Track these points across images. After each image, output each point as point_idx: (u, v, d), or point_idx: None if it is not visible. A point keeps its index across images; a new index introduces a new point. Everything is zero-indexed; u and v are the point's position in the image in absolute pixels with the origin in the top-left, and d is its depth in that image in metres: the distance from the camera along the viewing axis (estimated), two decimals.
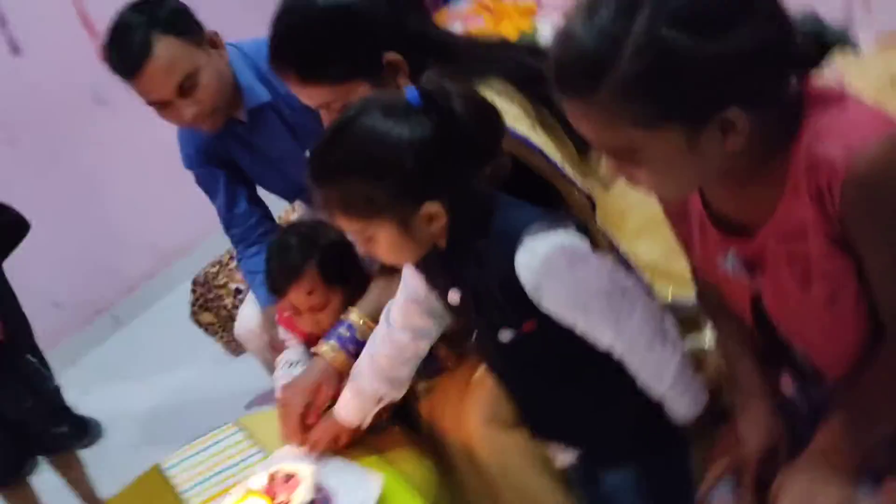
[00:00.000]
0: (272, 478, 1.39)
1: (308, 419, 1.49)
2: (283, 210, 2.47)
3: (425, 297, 1.34)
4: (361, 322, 1.52)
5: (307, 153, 1.70)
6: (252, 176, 2.03)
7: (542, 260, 1.13)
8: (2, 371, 2.08)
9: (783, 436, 1.11)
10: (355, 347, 1.49)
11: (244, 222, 2.02)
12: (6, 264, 2.19)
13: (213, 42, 1.80)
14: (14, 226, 2.17)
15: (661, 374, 1.21)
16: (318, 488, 1.36)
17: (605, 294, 1.16)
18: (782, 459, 1.08)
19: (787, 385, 1.19)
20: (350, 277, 1.61)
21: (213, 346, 2.71)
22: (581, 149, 1.40)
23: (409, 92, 1.14)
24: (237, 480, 1.50)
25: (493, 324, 1.23)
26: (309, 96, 1.42)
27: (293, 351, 1.68)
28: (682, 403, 1.23)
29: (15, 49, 3.32)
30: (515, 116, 1.34)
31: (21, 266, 2.25)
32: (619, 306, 1.17)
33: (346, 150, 1.15)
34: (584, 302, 1.16)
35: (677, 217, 1.15)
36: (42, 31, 3.33)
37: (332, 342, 1.52)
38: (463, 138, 1.13)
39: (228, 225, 2.05)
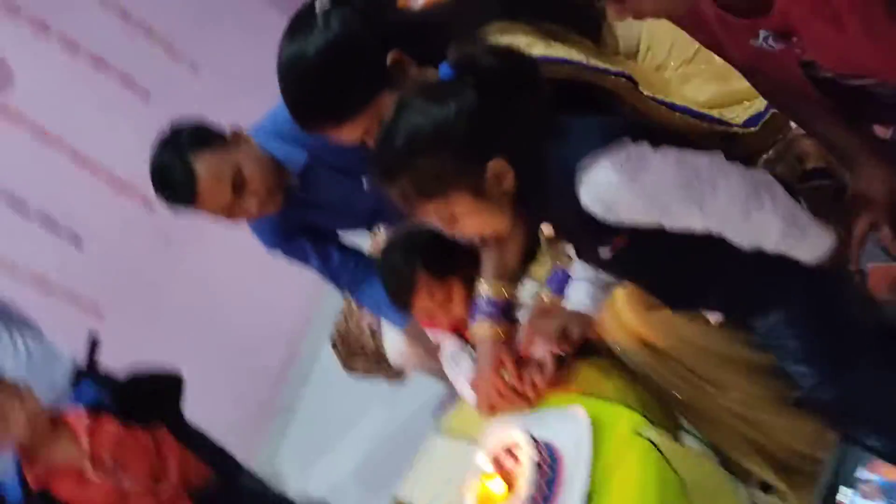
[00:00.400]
0: (493, 456, 1.48)
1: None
2: (368, 243, 2.59)
3: None
4: (493, 288, 1.58)
5: (364, 180, 1.82)
6: (329, 227, 2.12)
7: (604, 188, 1.16)
8: None
9: None
10: (501, 311, 1.55)
11: (346, 269, 2.11)
12: None
13: (238, 137, 1.91)
14: (174, 385, 2.34)
15: (766, 237, 1.20)
16: (538, 444, 1.44)
17: (679, 187, 1.17)
18: None
19: (882, 131, 1.21)
20: (459, 261, 1.68)
21: (378, 386, 2.85)
22: (594, 38, 1.44)
23: (442, 69, 1.20)
24: (467, 476, 1.61)
25: (588, 246, 1.29)
26: (349, 133, 1.49)
27: (450, 344, 1.77)
28: (801, 251, 1.22)
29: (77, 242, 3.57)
30: (527, 44, 1.38)
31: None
32: (698, 192, 1.17)
33: (401, 141, 1.21)
34: (660, 205, 1.18)
35: (695, 28, 1.19)
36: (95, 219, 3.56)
37: (480, 319, 1.57)
38: (504, 88, 1.18)
39: (334, 279, 2.14)
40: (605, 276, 1.45)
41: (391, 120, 1.23)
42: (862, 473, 1.15)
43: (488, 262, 1.62)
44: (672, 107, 1.46)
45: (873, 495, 1.17)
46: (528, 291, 1.71)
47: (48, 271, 3.49)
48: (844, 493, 1.25)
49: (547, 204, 1.25)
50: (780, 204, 1.19)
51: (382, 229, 2.35)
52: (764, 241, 1.20)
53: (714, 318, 1.41)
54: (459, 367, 1.72)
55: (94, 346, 2.38)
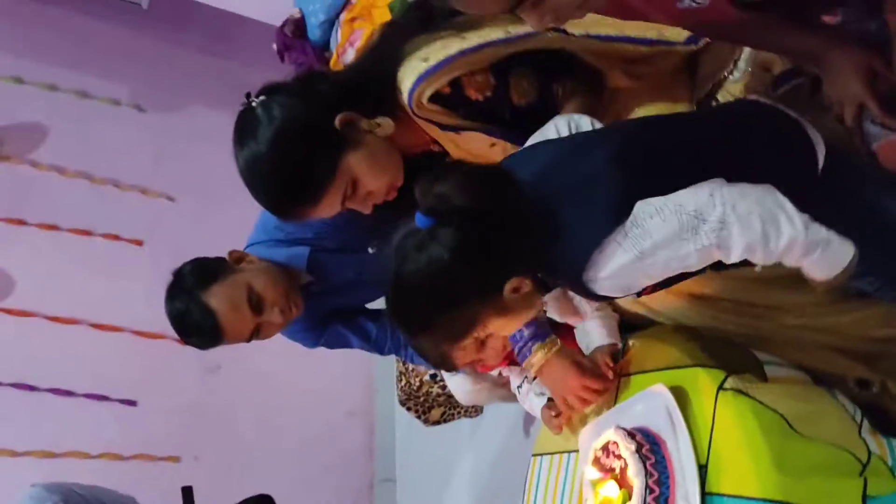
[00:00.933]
0: (596, 460, 1.49)
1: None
2: None
3: None
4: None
5: (370, 248, 1.84)
6: (354, 304, 2.14)
7: (616, 277, 1.19)
8: None
9: (871, 52, 1.14)
10: (538, 332, 1.55)
11: (385, 337, 2.13)
12: None
13: (238, 258, 1.93)
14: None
15: (789, 256, 1.16)
16: (632, 433, 1.44)
17: (687, 236, 1.14)
18: (883, 68, 1.12)
19: (830, 20, 1.21)
20: None
21: (462, 424, 2.86)
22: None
23: (418, 220, 1.18)
24: (579, 489, 1.61)
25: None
26: (329, 207, 1.51)
27: (513, 377, 1.78)
28: (819, 268, 1.19)
29: (131, 403, 3.62)
30: (443, 46, 1.42)
31: None
32: (707, 234, 1.13)
33: (411, 301, 1.22)
34: (677, 262, 1.17)
35: (620, 12, 1.20)
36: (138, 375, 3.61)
37: (530, 349, 1.56)
38: (488, 217, 1.18)
39: (379, 350, 2.16)
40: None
41: (393, 275, 1.21)
42: None
43: None
44: (610, 38, 1.44)
45: None
46: None
47: (114, 441, 3.53)
48: None
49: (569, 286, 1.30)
50: (795, 222, 1.13)
51: None
52: (785, 259, 1.17)
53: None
54: (525, 393, 1.73)
55: (188, 496, 2.41)
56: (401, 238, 1.21)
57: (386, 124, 1.51)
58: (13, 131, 3.81)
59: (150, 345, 3.65)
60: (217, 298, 1.84)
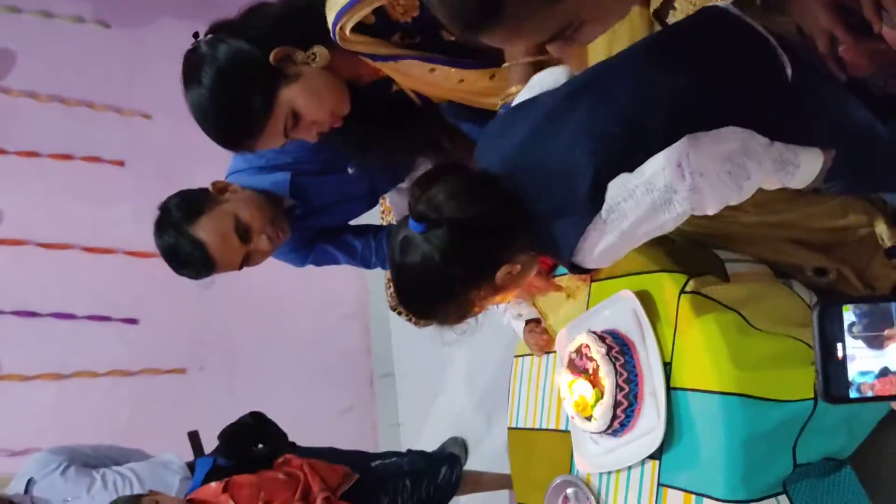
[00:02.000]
0: (570, 362, 1.58)
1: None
2: (378, 214, 2.67)
3: None
4: None
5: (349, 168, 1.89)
6: (338, 223, 2.19)
7: (603, 257, 1.26)
8: None
9: None
10: None
11: (370, 251, 2.20)
12: None
13: (222, 188, 1.97)
14: (259, 423, 2.55)
15: (768, 186, 1.26)
16: (602, 336, 1.53)
17: (661, 207, 1.18)
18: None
19: None
20: None
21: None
22: None
23: (412, 225, 1.24)
24: (555, 388, 1.72)
25: None
26: (271, 139, 1.59)
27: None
28: (796, 184, 1.27)
29: (132, 322, 3.72)
30: None
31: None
32: (681, 203, 1.18)
33: (411, 292, 1.31)
34: (658, 231, 1.24)
35: None
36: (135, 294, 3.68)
37: None
38: (475, 223, 1.24)
39: (365, 264, 2.23)
40: None
41: (397, 266, 1.29)
42: None
43: None
44: None
45: None
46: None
47: (120, 358, 3.66)
48: None
49: None
50: (764, 162, 1.19)
51: (387, 197, 2.41)
52: (764, 187, 1.25)
53: None
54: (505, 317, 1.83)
55: (195, 440, 2.54)
56: (398, 235, 1.29)
57: (321, 54, 1.55)
58: None
59: (144, 263, 3.71)
60: (205, 230, 1.89)
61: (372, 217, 2.62)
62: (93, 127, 3.88)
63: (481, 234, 1.25)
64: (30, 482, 2.36)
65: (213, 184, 1.98)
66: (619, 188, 1.19)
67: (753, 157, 1.19)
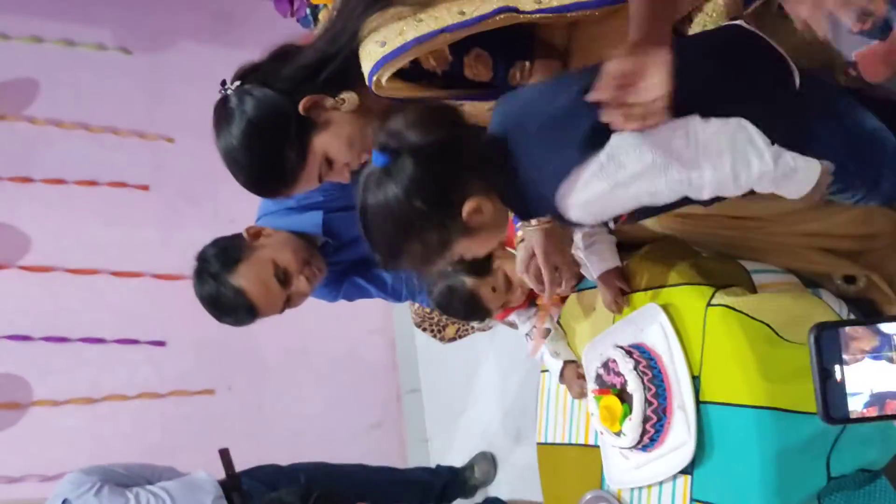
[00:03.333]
0: (598, 377, 1.58)
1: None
2: None
3: None
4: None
5: None
6: (369, 254, 2.18)
7: (589, 206, 1.22)
8: None
9: None
10: None
11: (402, 284, 2.17)
12: None
13: (256, 234, 1.97)
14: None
15: (760, 187, 1.21)
16: (629, 350, 1.53)
17: (660, 174, 1.17)
18: None
19: None
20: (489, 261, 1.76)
21: (476, 338, 2.97)
22: None
23: (374, 158, 1.23)
24: (583, 403, 1.72)
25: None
26: (305, 185, 1.58)
27: (520, 323, 1.88)
28: (790, 191, 1.23)
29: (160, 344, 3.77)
30: (400, 32, 1.41)
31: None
32: (679, 171, 1.17)
33: (378, 234, 1.27)
34: (648, 196, 1.20)
35: None
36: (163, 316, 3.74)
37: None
38: (438, 149, 1.22)
39: (397, 298, 2.22)
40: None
41: (360, 207, 1.27)
42: None
43: None
44: (560, 9, 1.42)
45: None
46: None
47: (150, 381, 3.69)
48: None
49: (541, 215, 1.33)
50: (765, 156, 1.18)
51: None
52: (763, 185, 1.21)
53: None
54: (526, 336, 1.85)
55: (226, 457, 2.55)
56: (364, 176, 1.26)
57: (350, 99, 1.54)
58: (5, 89, 3.82)
59: (170, 286, 3.75)
60: (245, 279, 1.90)
61: None
62: (117, 152, 3.93)
63: (444, 163, 1.22)
64: (64, 503, 2.38)
65: (247, 230, 1.98)
66: (623, 139, 1.18)
67: (756, 148, 1.18)
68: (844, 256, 1.59)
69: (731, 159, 1.16)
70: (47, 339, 3.55)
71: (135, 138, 3.97)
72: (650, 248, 1.62)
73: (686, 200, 1.25)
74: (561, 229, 1.57)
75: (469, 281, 1.74)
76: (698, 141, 1.17)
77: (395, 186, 1.21)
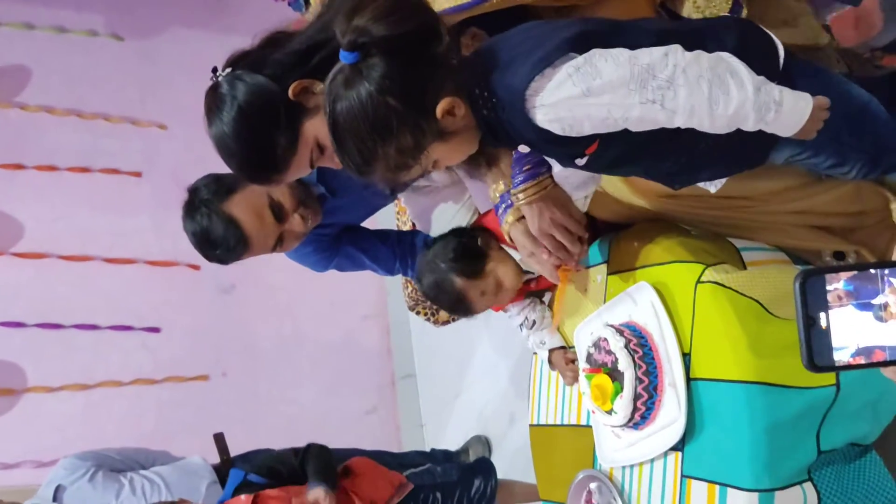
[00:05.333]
0: (589, 356, 1.58)
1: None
2: (394, 217, 2.67)
3: None
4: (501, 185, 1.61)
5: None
6: (362, 218, 2.16)
7: (558, 107, 1.16)
8: None
9: None
10: (534, 169, 1.53)
11: (395, 257, 2.17)
12: None
13: None
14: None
15: (743, 120, 1.16)
16: (620, 329, 1.53)
17: (635, 89, 1.14)
18: None
19: None
20: (484, 248, 1.73)
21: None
22: None
23: (342, 56, 1.18)
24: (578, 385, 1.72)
25: (565, 160, 1.30)
26: (297, 171, 1.55)
27: (513, 314, 1.85)
28: (778, 129, 1.18)
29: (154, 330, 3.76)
30: None
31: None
32: (654, 90, 1.13)
33: (352, 138, 1.20)
34: (619, 110, 1.15)
35: None
36: (156, 303, 3.72)
37: (525, 180, 1.55)
38: (409, 41, 1.17)
39: (390, 270, 2.20)
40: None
41: (329, 116, 1.21)
42: None
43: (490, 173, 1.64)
44: None
45: None
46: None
47: (144, 367, 3.69)
48: None
49: (513, 133, 1.25)
50: (747, 84, 1.14)
51: (401, 199, 2.41)
52: (743, 119, 1.16)
53: (715, 187, 1.42)
54: (528, 340, 1.83)
55: (220, 442, 2.54)
56: (330, 79, 1.21)
57: None
58: None
59: (164, 272, 3.76)
60: (239, 207, 1.84)
61: (387, 220, 2.64)
62: (109, 139, 3.92)
63: (417, 56, 1.17)
64: (58, 489, 2.38)
65: None
66: (603, 51, 1.15)
67: (737, 76, 1.15)
68: (835, 233, 1.59)
69: (709, 84, 1.13)
70: (41, 325, 3.55)
71: (127, 125, 3.96)
72: (640, 226, 1.62)
73: (659, 141, 1.22)
74: (554, 189, 1.53)
75: (459, 281, 1.71)
76: (677, 63, 1.14)
77: (367, 84, 1.15)
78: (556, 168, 1.51)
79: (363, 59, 1.16)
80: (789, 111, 1.17)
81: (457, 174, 1.92)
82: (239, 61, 1.51)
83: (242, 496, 2.14)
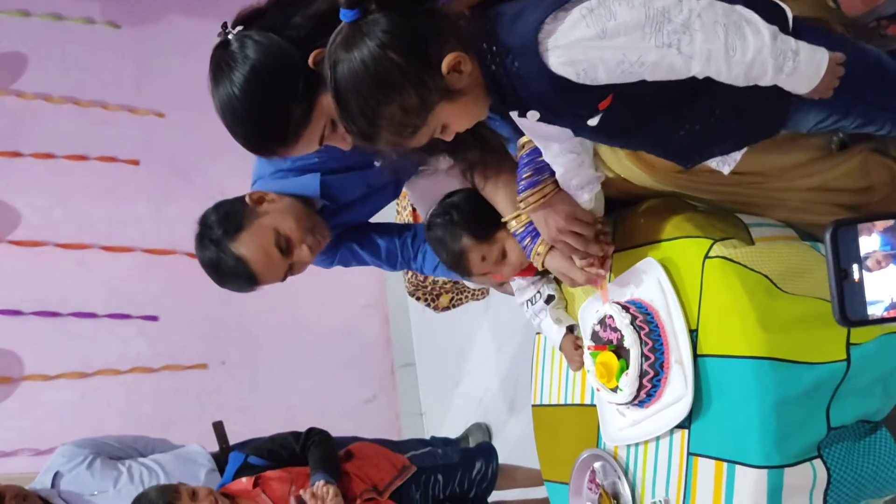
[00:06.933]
0: (594, 334, 1.55)
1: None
2: (397, 219, 2.65)
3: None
4: (517, 223, 1.61)
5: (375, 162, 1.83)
6: (364, 218, 2.13)
7: (573, 48, 1.12)
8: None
9: None
10: (536, 175, 1.52)
11: (395, 253, 2.13)
12: None
13: (259, 200, 1.89)
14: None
15: (761, 69, 1.13)
16: (625, 306, 1.50)
17: (651, 32, 1.11)
18: None
19: None
20: (499, 221, 1.69)
21: (470, 307, 2.95)
22: None
23: (343, 15, 1.15)
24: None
25: (577, 120, 1.25)
26: (306, 146, 1.47)
27: (518, 291, 1.82)
28: (796, 84, 1.15)
29: (152, 318, 3.74)
30: None
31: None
32: (670, 34, 1.10)
33: (355, 99, 1.16)
34: (635, 54, 1.12)
35: None
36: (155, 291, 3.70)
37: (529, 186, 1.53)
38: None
39: (392, 265, 2.16)
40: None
41: (332, 77, 1.17)
42: None
43: (501, 200, 1.63)
44: None
45: None
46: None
47: (142, 355, 3.67)
48: None
49: (523, 89, 1.21)
50: (763, 33, 1.12)
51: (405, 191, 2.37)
52: (761, 70, 1.13)
53: (728, 167, 1.39)
54: (537, 315, 1.79)
55: (219, 430, 2.52)
56: (330, 42, 1.16)
57: None
58: None
59: (162, 261, 3.74)
60: (246, 247, 1.83)
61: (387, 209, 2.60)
62: (106, 127, 3.90)
63: (420, 9, 1.14)
64: (56, 476, 2.37)
65: (250, 195, 1.90)
66: None
67: (753, 25, 1.12)
68: (843, 208, 1.57)
69: (725, 30, 1.11)
70: (38, 313, 3.53)
71: (124, 112, 3.93)
72: (646, 203, 1.60)
73: (674, 102, 1.19)
74: (556, 195, 1.51)
75: (465, 239, 1.69)
76: (692, 8, 1.11)
77: (368, 41, 1.12)
78: (558, 173, 1.48)
79: (363, 17, 1.14)
80: (806, 62, 1.14)
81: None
82: (251, 20, 1.40)
83: (244, 478, 2.12)
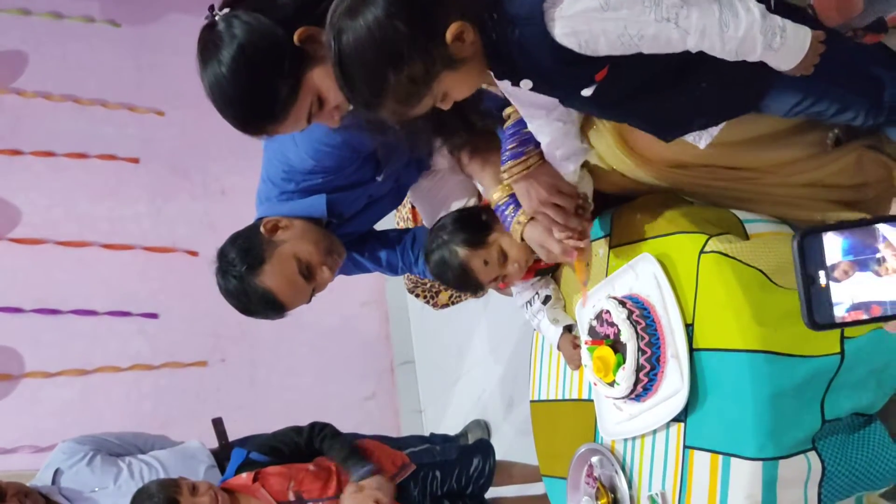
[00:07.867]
0: (591, 329, 1.57)
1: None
2: (396, 218, 2.66)
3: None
4: (501, 194, 1.62)
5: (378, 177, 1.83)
6: (371, 224, 2.15)
7: (577, 18, 1.15)
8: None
9: None
10: (519, 148, 1.54)
11: (396, 260, 2.14)
12: None
13: (274, 228, 1.89)
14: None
15: (751, 45, 1.16)
16: (622, 301, 1.52)
17: (650, 4, 1.14)
18: None
19: None
20: (488, 220, 1.71)
21: (469, 305, 2.96)
22: None
23: None
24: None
25: (571, 90, 1.27)
26: (294, 124, 1.48)
27: (518, 293, 1.84)
28: (782, 59, 1.19)
29: (152, 316, 3.74)
30: None
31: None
32: (668, 8, 1.14)
33: (360, 68, 1.17)
34: (636, 28, 1.15)
35: None
36: (155, 290, 3.70)
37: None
38: None
39: (394, 271, 2.18)
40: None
41: (335, 48, 1.18)
42: None
43: (486, 179, 1.65)
44: None
45: None
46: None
47: (142, 353, 3.68)
48: None
49: (521, 58, 1.22)
50: (753, 10, 1.15)
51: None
52: (749, 45, 1.17)
53: (704, 141, 1.41)
54: (535, 316, 1.81)
55: (219, 427, 2.53)
56: (332, 11, 1.17)
57: None
58: None
59: (162, 258, 3.75)
60: (271, 279, 1.85)
61: None
62: (106, 125, 3.91)
63: None
64: (57, 472, 2.37)
65: (264, 224, 1.90)
66: None
67: (744, 2, 1.16)
68: (838, 204, 1.58)
69: (719, 6, 1.14)
70: (38, 311, 3.54)
71: (124, 111, 3.94)
72: (641, 199, 1.61)
73: (666, 74, 1.22)
74: (540, 166, 1.52)
75: (461, 251, 1.69)
76: None
77: (372, 9, 1.13)
78: (543, 143, 1.50)
79: None
80: (792, 37, 1.18)
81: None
82: (238, 1, 1.42)
83: (244, 474, 2.14)
